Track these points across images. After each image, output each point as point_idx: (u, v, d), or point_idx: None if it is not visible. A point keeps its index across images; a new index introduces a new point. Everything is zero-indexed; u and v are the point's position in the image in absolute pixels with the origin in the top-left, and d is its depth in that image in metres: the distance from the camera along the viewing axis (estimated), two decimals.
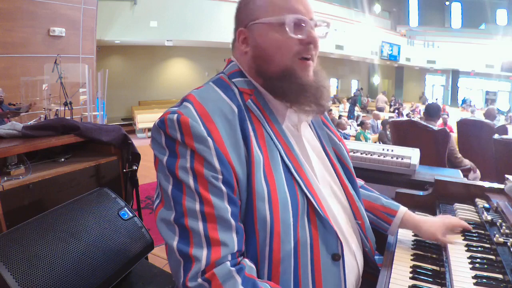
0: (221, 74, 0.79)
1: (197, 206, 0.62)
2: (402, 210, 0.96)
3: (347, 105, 12.31)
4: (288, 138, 0.75)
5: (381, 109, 11.75)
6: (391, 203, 0.98)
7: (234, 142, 0.67)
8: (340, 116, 8.68)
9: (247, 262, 0.64)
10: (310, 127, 0.87)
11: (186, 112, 0.65)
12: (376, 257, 0.91)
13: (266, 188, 0.66)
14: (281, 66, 0.73)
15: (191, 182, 0.63)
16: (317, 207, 0.70)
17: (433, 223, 0.92)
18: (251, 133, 0.69)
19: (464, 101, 16.04)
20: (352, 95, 12.10)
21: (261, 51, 0.74)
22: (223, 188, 0.63)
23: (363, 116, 10.49)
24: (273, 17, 0.72)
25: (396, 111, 11.45)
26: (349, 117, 10.36)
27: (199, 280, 0.59)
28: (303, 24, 0.73)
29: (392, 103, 14.22)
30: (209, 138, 0.64)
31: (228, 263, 0.60)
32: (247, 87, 0.75)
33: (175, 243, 0.61)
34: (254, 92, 0.75)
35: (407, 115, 10.45)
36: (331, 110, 9.20)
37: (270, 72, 0.74)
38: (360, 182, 1.05)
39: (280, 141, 0.73)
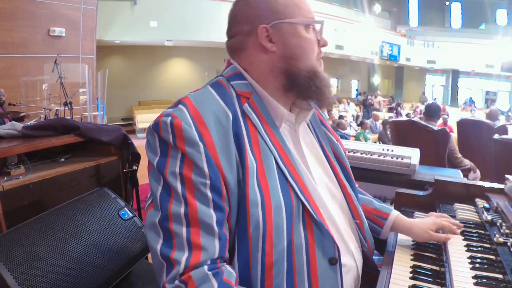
0: (219, 77, 0.78)
1: (182, 210, 0.62)
2: (394, 213, 0.96)
3: (347, 106, 12.28)
4: (284, 142, 0.75)
5: (375, 110, 11.57)
6: (383, 206, 0.98)
7: (226, 148, 0.67)
8: (340, 116, 8.67)
9: (226, 267, 0.64)
10: (308, 127, 0.87)
11: (179, 115, 0.65)
12: (376, 257, 0.91)
13: (259, 194, 0.66)
14: (309, 66, 0.76)
15: (178, 186, 0.63)
16: (312, 212, 0.70)
17: (423, 223, 0.93)
18: (245, 139, 0.69)
19: (469, 101, 16.03)
20: (363, 98, 11.75)
21: (293, 50, 0.75)
22: (210, 194, 0.64)
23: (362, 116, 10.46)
24: (304, 19, 0.76)
25: (394, 111, 11.40)
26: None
27: (176, 282, 0.60)
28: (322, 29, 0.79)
29: (389, 103, 14.18)
30: (200, 143, 0.64)
31: (206, 267, 0.61)
32: (245, 89, 0.75)
33: (158, 247, 0.62)
34: (252, 95, 0.75)
35: (407, 115, 10.44)
36: (331, 110, 9.19)
37: (300, 71, 0.75)
38: None
39: (275, 145, 0.72)
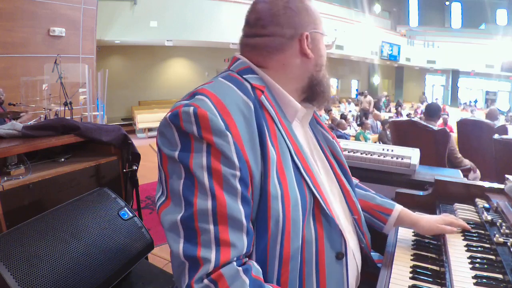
0: (228, 71, 0.77)
1: (209, 205, 0.59)
2: (398, 208, 0.97)
3: (348, 106, 12.26)
4: (296, 136, 0.75)
5: (365, 110, 11.47)
6: (386, 201, 0.99)
7: (251, 139, 0.65)
8: (342, 116, 8.65)
9: (253, 263, 0.63)
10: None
11: (203, 105, 0.62)
12: (374, 254, 0.92)
13: (279, 187, 0.66)
14: (326, 74, 0.83)
15: (205, 178, 0.60)
16: (323, 206, 0.71)
17: (431, 217, 0.95)
18: (266, 130, 0.69)
19: (470, 102, 16.03)
20: (375, 99, 11.52)
21: (322, 59, 0.82)
22: (238, 187, 0.61)
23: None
24: (323, 30, 0.82)
25: (395, 111, 11.34)
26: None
27: (205, 281, 0.56)
28: None
29: (384, 103, 14.07)
30: (228, 133, 0.62)
31: (235, 263, 0.59)
32: (259, 83, 0.75)
33: (180, 246, 0.59)
34: (266, 88, 0.75)
35: (407, 115, 10.43)
36: (331, 110, 9.19)
37: (322, 78, 0.82)
38: (354, 180, 1.06)
39: (289, 139, 0.73)
